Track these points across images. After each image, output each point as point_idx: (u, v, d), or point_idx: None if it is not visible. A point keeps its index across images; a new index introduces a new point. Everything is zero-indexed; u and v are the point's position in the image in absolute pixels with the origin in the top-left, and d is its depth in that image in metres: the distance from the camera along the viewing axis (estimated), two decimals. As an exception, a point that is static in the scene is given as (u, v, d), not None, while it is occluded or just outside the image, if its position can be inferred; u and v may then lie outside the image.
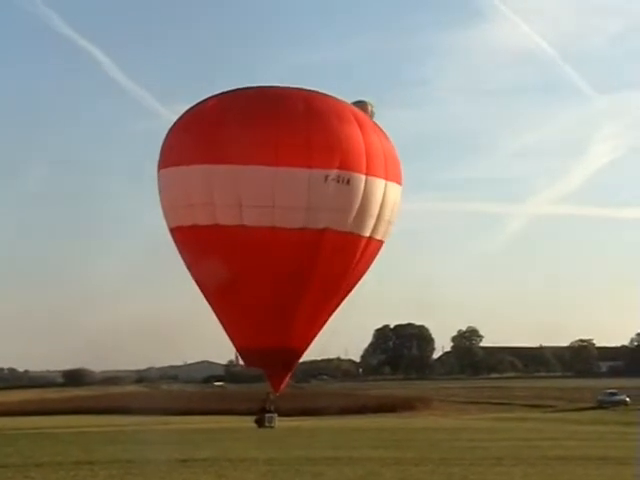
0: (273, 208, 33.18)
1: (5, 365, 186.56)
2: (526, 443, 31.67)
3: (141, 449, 26.36)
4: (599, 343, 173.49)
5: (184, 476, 18.59)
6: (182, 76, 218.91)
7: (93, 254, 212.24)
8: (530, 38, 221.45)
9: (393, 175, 35.65)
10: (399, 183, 36.26)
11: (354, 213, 34.15)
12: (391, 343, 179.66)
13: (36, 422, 63.14)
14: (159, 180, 35.99)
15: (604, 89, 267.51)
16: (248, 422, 43.84)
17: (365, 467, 20.38)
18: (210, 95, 35.97)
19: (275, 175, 32.98)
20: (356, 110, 35.65)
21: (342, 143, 33.66)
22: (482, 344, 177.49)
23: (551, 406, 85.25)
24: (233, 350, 38.84)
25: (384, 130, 36.59)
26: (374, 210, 34.74)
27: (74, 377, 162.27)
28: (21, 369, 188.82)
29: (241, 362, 44.94)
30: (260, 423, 41.58)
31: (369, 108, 36.67)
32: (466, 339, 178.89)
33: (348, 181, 33.71)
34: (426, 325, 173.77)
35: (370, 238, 35.22)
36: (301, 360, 39.16)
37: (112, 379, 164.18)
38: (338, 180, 33.50)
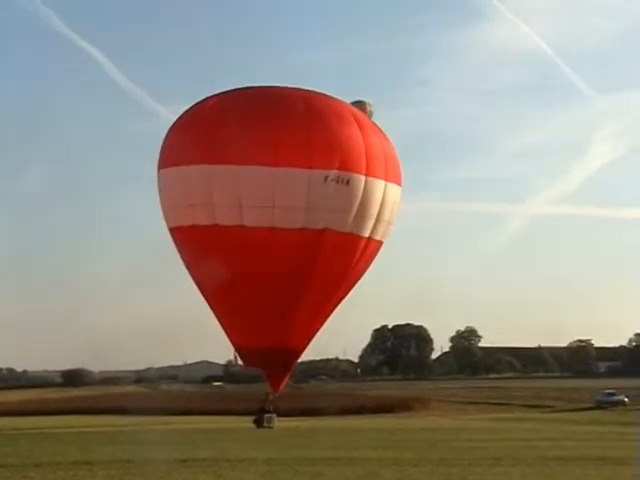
0: (273, 208, 33.19)
1: (4, 365, 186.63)
2: (525, 443, 31.69)
3: (140, 449, 26.37)
4: (597, 343, 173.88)
5: (183, 476, 18.60)
6: (182, 76, 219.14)
7: (92, 254, 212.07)
8: (530, 38, 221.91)
9: (393, 176, 35.67)
10: (399, 184, 36.28)
11: (354, 214, 34.17)
12: (389, 343, 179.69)
13: (35, 422, 63.13)
14: (159, 180, 36.00)
15: (604, 89, 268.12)
16: (247, 422, 43.84)
17: (364, 467, 20.39)
18: (210, 95, 36.02)
19: (275, 175, 32.99)
20: (356, 110, 35.67)
21: (342, 144, 33.68)
22: (481, 344, 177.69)
23: (549, 406, 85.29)
24: (232, 350, 38.92)
25: (384, 130, 36.65)
26: (374, 211, 34.76)
27: (73, 377, 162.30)
28: (20, 369, 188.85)
29: (240, 362, 44.96)
30: (259, 423, 41.58)
31: (368, 108, 36.69)
32: (465, 339, 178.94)
33: (348, 182, 33.74)
34: (424, 325, 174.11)
35: (370, 238, 35.25)
36: (300, 360, 39.20)
37: (111, 379, 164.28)
38: (338, 181, 33.52)
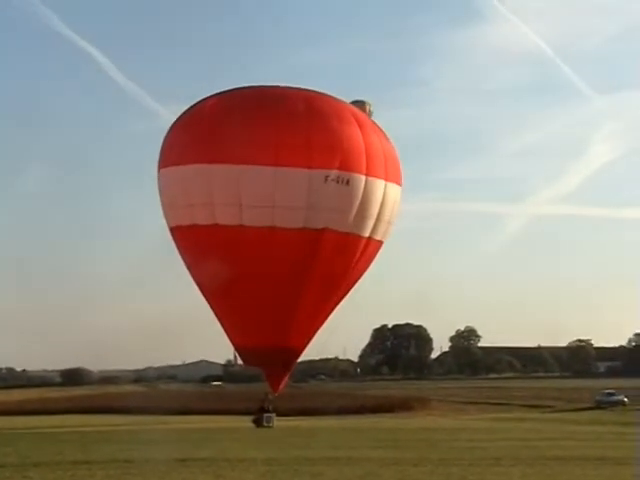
0: (273, 208, 33.18)
1: (3, 364, 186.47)
2: (524, 443, 31.68)
3: (139, 449, 26.34)
4: (597, 343, 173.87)
5: (182, 476, 18.58)
6: (182, 76, 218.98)
7: (92, 254, 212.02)
8: (530, 38, 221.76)
9: (393, 176, 35.64)
10: (399, 184, 36.26)
11: (354, 213, 34.15)
12: (389, 343, 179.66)
13: (34, 422, 63.09)
14: (159, 179, 35.98)
15: (604, 89, 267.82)
16: (246, 422, 43.84)
17: (364, 467, 20.38)
18: (209, 95, 35.98)
19: (275, 175, 32.97)
20: (356, 110, 35.65)
21: (342, 143, 33.67)
22: (480, 344, 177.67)
23: (549, 406, 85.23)
24: (231, 350, 39.00)
25: (384, 130, 36.63)
26: (374, 210, 34.74)
27: (72, 377, 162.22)
28: (19, 368, 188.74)
29: (240, 362, 44.99)
30: (258, 423, 41.60)
31: (367, 107, 36.68)
32: (464, 339, 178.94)
33: (348, 181, 33.72)
34: (424, 325, 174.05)
35: (369, 238, 35.23)
36: (299, 360, 39.20)
37: (110, 379, 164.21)
38: (338, 180, 33.51)
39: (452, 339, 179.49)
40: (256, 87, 35.94)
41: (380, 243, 36.31)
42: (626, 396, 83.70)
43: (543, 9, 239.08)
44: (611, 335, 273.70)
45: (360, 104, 36.66)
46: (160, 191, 36.08)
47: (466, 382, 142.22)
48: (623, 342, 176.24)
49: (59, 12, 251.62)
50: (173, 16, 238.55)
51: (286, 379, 39.05)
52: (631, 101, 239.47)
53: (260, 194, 33.18)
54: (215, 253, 34.03)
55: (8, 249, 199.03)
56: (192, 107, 35.88)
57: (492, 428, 48.82)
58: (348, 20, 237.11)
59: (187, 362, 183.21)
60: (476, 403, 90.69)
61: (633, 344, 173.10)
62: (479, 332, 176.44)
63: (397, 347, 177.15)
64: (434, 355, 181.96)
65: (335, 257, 34.50)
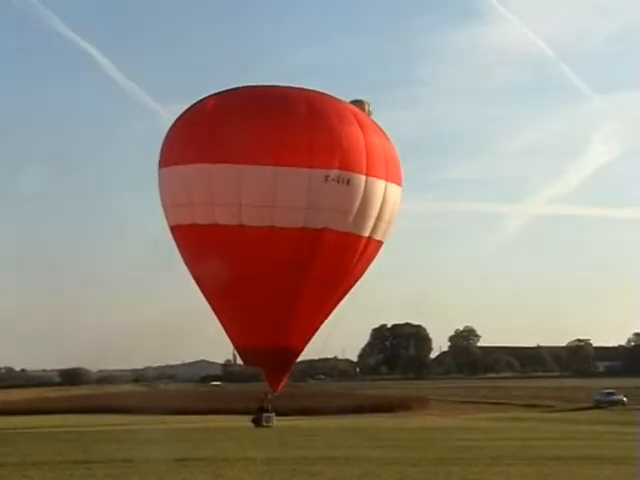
0: (273, 208, 33.17)
1: (2, 364, 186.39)
2: (523, 443, 31.68)
3: (138, 448, 26.34)
4: (596, 343, 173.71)
5: (182, 475, 18.58)
6: (182, 76, 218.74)
7: (91, 254, 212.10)
8: (530, 38, 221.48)
9: (393, 176, 35.64)
10: (399, 184, 36.25)
11: (354, 213, 34.15)
12: (388, 343, 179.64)
13: (33, 421, 63.07)
14: (159, 179, 35.99)
15: (604, 89, 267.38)
16: (245, 422, 43.85)
17: (363, 467, 20.38)
18: (210, 94, 35.95)
19: (275, 175, 32.96)
20: (357, 110, 35.65)
21: (343, 143, 33.67)
22: (479, 344, 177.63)
23: (548, 406, 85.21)
24: (231, 349, 39.07)
25: (384, 130, 36.63)
26: (374, 211, 34.74)
27: (71, 376, 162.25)
28: (18, 368, 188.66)
29: (239, 361, 44.99)
30: (257, 423, 41.60)
31: (366, 107, 36.69)
32: (463, 339, 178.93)
33: (348, 181, 33.72)
34: (423, 325, 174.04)
35: (369, 238, 35.24)
36: (298, 359, 39.21)
37: (109, 378, 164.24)
38: (338, 180, 33.51)
39: (451, 339, 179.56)
40: (256, 87, 35.95)
41: (380, 243, 36.31)
42: (625, 396, 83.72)
43: (543, 9, 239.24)
44: (610, 335, 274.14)
45: (359, 104, 36.68)
46: (160, 190, 36.10)
47: (465, 382, 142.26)
48: (622, 342, 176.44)
49: (59, 12, 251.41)
50: (173, 16, 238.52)
51: (285, 379, 39.07)
52: (631, 101, 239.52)
53: (260, 194, 33.18)
54: (215, 252, 34.04)
55: (8, 249, 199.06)
56: (192, 106, 35.88)
57: (491, 428, 48.83)
58: (348, 20, 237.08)
59: (186, 362, 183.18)
60: (475, 403, 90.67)
61: (632, 344, 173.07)
62: (478, 332, 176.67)
63: (396, 347, 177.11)
64: (433, 355, 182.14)
65: (335, 257, 34.50)
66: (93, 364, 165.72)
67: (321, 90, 36.16)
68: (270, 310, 34.66)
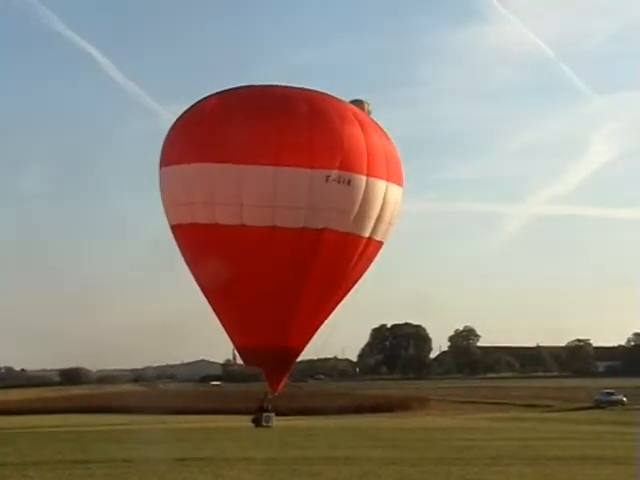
0: (274, 208, 33.17)
1: (2, 364, 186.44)
2: (523, 443, 31.68)
3: (138, 448, 26.34)
4: (596, 343, 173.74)
5: (182, 475, 18.57)
6: (182, 76, 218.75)
7: (91, 253, 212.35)
8: (530, 38, 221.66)
9: (394, 176, 35.61)
10: (400, 184, 36.22)
11: (354, 214, 34.14)
12: (388, 343, 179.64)
13: (33, 421, 63.09)
14: (160, 178, 35.99)
15: (604, 89, 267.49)
16: (245, 421, 43.86)
17: (363, 467, 20.37)
18: (211, 94, 35.94)
19: (276, 175, 32.95)
20: (358, 110, 35.63)
21: (344, 143, 33.64)
22: (479, 344, 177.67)
23: (548, 406, 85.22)
24: (230, 349, 39.10)
25: (385, 130, 36.60)
26: (374, 211, 34.73)
27: (71, 376, 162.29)
28: (18, 368, 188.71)
29: (239, 361, 44.99)
30: (257, 422, 41.59)
31: (366, 107, 36.67)
32: (463, 339, 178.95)
33: (349, 182, 33.70)
34: (423, 325, 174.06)
35: (370, 239, 35.22)
36: (298, 359, 39.20)
37: (109, 378, 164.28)
38: (339, 180, 33.50)
39: (451, 339, 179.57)
40: (257, 87, 35.93)
41: (380, 244, 36.30)
42: (625, 396, 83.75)
43: (543, 9, 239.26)
44: (610, 335, 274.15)
45: (359, 103, 36.66)
46: (161, 189, 36.10)
47: (465, 382, 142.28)
48: (622, 342, 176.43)
49: (59, 12, 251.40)
50: (173, 16, 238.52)
51: (285, 379, 39.07)
52: (631, 101, 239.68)
53: (261, 194, 33.17)
54: (216, 252, 34.04)
55: (8, 249, 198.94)
56: (193, 106, 35.86)
57: (491, 428, 48.83)
58: (348, 20, 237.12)
59: (186, 362, 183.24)
60: (475, 403, 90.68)
61: (632, 344, 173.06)
62: (478, 332, 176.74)
63: (396, 347, 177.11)
64: (433, 355, 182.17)
65: (335, 257, 34.50)
66: (93, 364, 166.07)
67: (321, 90, 36.15)
68: (270, 310, 34.66)
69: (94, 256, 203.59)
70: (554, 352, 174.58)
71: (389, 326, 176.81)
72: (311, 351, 39.52)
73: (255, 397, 44.54)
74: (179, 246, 36.01)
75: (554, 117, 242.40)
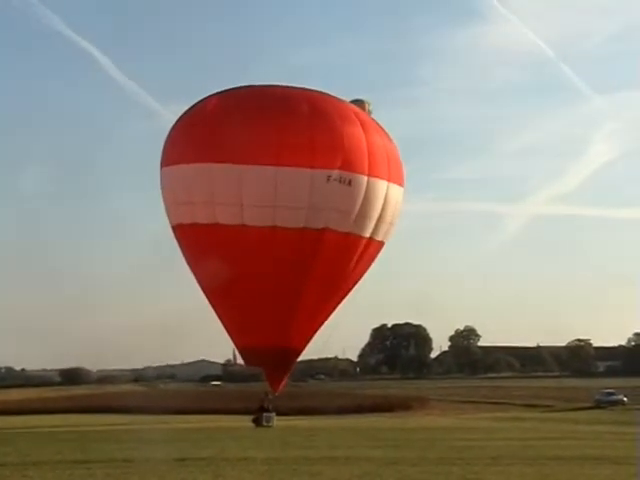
0: (274, 208, 33.16)
1: (2, 364, 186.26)
2: (523, 443, 31.67)
3: (138, 448, 26.33)
4: (596, 343, 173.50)
5: (182, 475, 18.57)
6: (182, 76, 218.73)
7: (91, 253, 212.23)
8: (530, 38, 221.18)
9: (395, 176, 35.60)
10: (401, 184, 36.20)
11: (355, 214, 34.13)
12: (389, 342, 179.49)
13: (34, 421, 63.10)
14: (161, 178, 36.00)
15: (604, 89, 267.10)
16: (246, 421, 43.86)
17: (363, 467, 20.37)
18: (211, 93, 35.93)
19: (277, 175, 32.94)
20: (359, 110, 35.61)
21: (345, 143, 33.63)
22: (480, 344, 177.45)
23: (548, 406, 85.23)
24: (231, 349, 39.12)
25: (386, 130, 36.57)
26: (375, 211, 34.72)
27: (71, 376, 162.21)
28: (18, 368, 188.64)
29: (239, 361, 45.02)
30: (258, 422, 41.60)
31: (366, 107, 36.66)
32: (464, 338, 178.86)
33: (350, 182, 33.69)
34: (424, 324, 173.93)
35: (370, 239, 35.21)
36: (299, 359, 39.21)
37: (109, 378, 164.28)
38: (340, 180, 33.48)
39: (451, 338, 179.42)
40: (258, 87, 35.92)
41: (381, 244, 36.27)
42: (625, 395, 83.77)
43: (543, 9, 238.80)
44: (611, 335, 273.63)
45: (359, 103, 36.64)
46: (162, 189, 36.12)
47: (465, 381, 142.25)
48: (622, 342, 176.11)
49: (59, 12, 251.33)
50: (173, 16, 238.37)
51: (286, 379, 39.07)
52: (631, 101, 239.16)
53: (262, 194, 33.16)
54: (216, 252, 34.05)
55: (8, 249, 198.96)
56: (194, 106, 35.86)
57: (491, 427, 48.84)
58: (348, 20, 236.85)
59: (186, 361, 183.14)
60: (475, 402, 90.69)
61: (633, 344, 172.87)
62: (478, 332, 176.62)
63: (396, 347, 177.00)
64: (433, 355, 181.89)
65: (335, 257, 34.49)
66: (93, 364, 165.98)
67: (322, 90, 36.13)
68: (271, 310, 34.66)
69: (94, 256, 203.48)
70: (554, 352, 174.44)
71: (389, 326, 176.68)
72: (311, 351, 39.59)
73: (255, 397, 44.54)
74: (180, 246, 36.02)
75: (554, 117, 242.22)
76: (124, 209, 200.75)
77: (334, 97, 35.86)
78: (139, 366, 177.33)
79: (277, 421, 42.58)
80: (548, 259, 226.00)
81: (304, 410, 73.29)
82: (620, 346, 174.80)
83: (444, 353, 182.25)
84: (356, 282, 36.76)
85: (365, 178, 34.07)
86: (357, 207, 34.13)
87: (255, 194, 33.18)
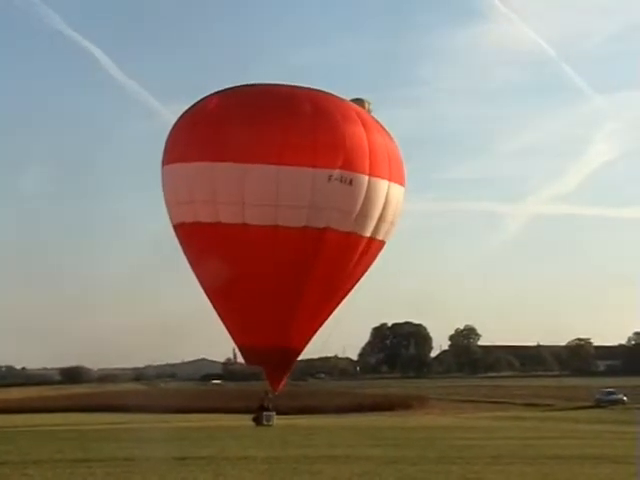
0: (276, 207, 33.16)
1: (3, 362, 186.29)
2: (523, 442, 31.69)
3: (139, 447, 26.35)
4: (597, 342, 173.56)
5: (182, 475, 18.58)
6: (182, 75, 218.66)
7: (92, 253, 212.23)
8: (530, 38, 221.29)
9: (396, 176, 35.59)
10: (402, 184, 36.20)
11: (356, 213, 34.14)
12: (389, 342, 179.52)
13: (34, 419, 63.13)
14: (163, 176, 35.98)
15: (604, 89, 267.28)
16: (246, 420, 43.88)
17: (363, 466, 20.38)
18: (213, 92, 35.91)
19: (278, 174, 32.94)
20: (360, 110, 35.60)
21: (346, 143, 33.63)
22: (480, 343, 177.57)
23: (548, 405, 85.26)
24: (231, 348, 39.16)
25: (388, 130, 36.56)
26: (376, 211, 34.72)
27: (72, 375, 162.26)
28: (19, 366, 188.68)
29: (240, 360, 45.07)
30: (258, 421, 41.63)
31: (366, 106, 36.65)
32: (464, 338, 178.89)
33: (351, 181, 33.70)
34: (424, 324, 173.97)
35: (371, 238, 35.21)
36: (299, 358, 39.22)
37: (110, 377, 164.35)
38: (341, 180, 33.49)
39: (452, 338, 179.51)
40: (260, 85, 35.90)
41: (382, 243, 36.27)
42: (625, 395, 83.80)
43: (543, 9, 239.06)
44: (611, 334, 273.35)
45: (359, 102, 36.63)
46: (164, 188, 36.11)
47: (465, 381, 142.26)
48: (623, 341, 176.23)
49: (60, 12, 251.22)
50: (173, 16, 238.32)
51: (286, 378, 39.08)
52: (631, 101, 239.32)
53: (263, 193, 33.15)
54: (217, 251, 34.06)
55: (8, 249, 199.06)
56: (196, 104, 35.83)
57: (491, 427, 48.85)
58: (348, 20, 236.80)
59: (187, 360, 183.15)
60: (475, 402, 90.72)
61: (633, 343, 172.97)
62: (479, 331, 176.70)
63: (397, 346, 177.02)
64: (434, 354, 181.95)
65: (336, 256, 34.50)
66: (94, 363, 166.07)
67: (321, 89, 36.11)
68: (271, 309, 34.67)
69: (94, 256, 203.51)
70: (554, 351, 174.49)
71: (390, 325, 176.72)
72: (312, 350, 39.61)
73: (256, 396, 44.54)
74: (181, 245, 36.03)
75: (554, 117, 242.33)
76: (124, 209, 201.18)
77: (336, 96, 35.85)
78: (140, 365, 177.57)
79: (277, 420, 42.60)
80: (548, 259, 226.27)
81: (304, 409, 73.34)
82: (620, 345, 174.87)
83: (444, 352, 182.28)
84: (357, 281, 36.77)
85: (366, 178, 34.07)
86: (358, 207, 34.13)
87: (257, 193, 33.18)
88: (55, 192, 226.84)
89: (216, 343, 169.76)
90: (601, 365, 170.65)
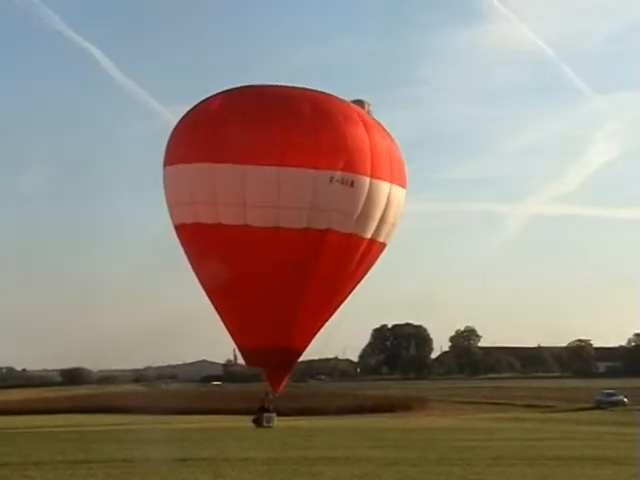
0: (278, 208, 33.14)
1: (3, 364, 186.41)
2: (524, 443, 31.69)
3: (139, 448, 26.35)
4: (597, 343, 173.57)
5: (182, 476, 18.59)
6: (182, 76, 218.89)
7: (92, 253, 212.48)
8: (530, 38, 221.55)
9: (398, 178, 35.57)
10: (403, 186, 36.17)
11: (357, 215, 34.11)
12: (389, 343, 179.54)
13: (34, 421, 63.12)
14: (164, 177, 35.98)
15: (604, 89, 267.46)
16: (246, 422, 43.87)
17: (363, 467, 20.39)
18: (214, 93, 35.91)
19: (279, 175, 32.92)
20: (362, 111, 35.59)
21: (348, 144, 33.60)
22: (480, 344, 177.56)
23: (549, 406, 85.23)
24: (231, 349, 39.15)
25: (389, 131, 36.54)
26: (377, 212, 34.70)
27: (72, 376, 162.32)
28: (19, 368, 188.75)
29: (240, 361, 45.08)
30: (258, 423, 41.62)
31: (366, 107, 36.64)
32: (464, 339, 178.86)
33: (352, 183, 33.67)
34: (424, 325, 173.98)
35: (372, 240, 35.18)
36: (299, 360, 39.21)
37: (110, 378, 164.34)
38: (343, 182, 33.47)
39: (452, 339, 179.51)
40: (261, 86, 35.86)
41: (383, 245, 36.25)
42: (626, 396, 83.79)
43: (543, 9, 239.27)
44: (611, 335, 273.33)
45: (359, 104, 36.62)
46: (165, 188, 36.10)
47: (466, 382, 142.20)
48: (623, 342, 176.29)
49: (60, 12, 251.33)
50: (173, 16, 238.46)
51: (286, 379, 39.07)
52: (631, 101, 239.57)
53: (265, 194, 33.13)
54: (218, 252, 34.04)
55: (8, 249, 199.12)
56: (198, 105, 35.82)
57: (492, 428, 48.82)
58: (348, 20, 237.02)
59: (187, 362, 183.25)
60: (476, 403, 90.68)
61: (633, 344, 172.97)
62: (479, 332, 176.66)
63: (397, 347, 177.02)
64: (434, 355, 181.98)
65: (337, 258, 34.48)
66: (94, 364, 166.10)
67: (323, 90, 36.09)
68: (272, 310, 34.65)
69: (94, 256, 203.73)
70: (555, 352, 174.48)
71: (390, 326, 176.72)
72: (312, 351, 39.58)
73: (256, 397, 44.53)
74: (182, 246, 36.02)
75: (554, 117, 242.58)
76: (124, 209, 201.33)
77: (337, 97, 35.84)
78: (140, 366, 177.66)
79: (277, 421, 42.59)
80: (548, 259, 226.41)
81: (304, 410, 73.30)
82: (620, 347, 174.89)
83: (445, 353, 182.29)
84: (358, 283, 36.75)
85: (367, 179, 34.06)
86: (359, 208, 34.12)
87: (258, 194, 33.16)
88: (55, 192, 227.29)
89: (216, 344, 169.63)
90: (601, 366, 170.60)
